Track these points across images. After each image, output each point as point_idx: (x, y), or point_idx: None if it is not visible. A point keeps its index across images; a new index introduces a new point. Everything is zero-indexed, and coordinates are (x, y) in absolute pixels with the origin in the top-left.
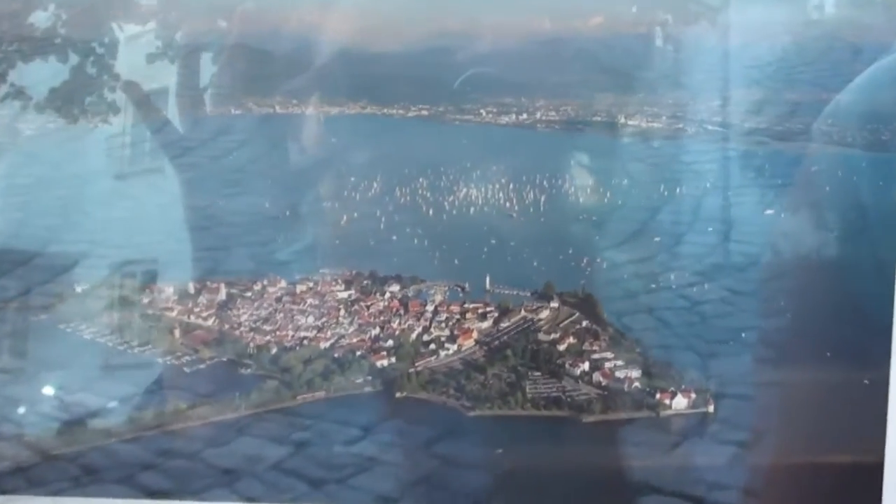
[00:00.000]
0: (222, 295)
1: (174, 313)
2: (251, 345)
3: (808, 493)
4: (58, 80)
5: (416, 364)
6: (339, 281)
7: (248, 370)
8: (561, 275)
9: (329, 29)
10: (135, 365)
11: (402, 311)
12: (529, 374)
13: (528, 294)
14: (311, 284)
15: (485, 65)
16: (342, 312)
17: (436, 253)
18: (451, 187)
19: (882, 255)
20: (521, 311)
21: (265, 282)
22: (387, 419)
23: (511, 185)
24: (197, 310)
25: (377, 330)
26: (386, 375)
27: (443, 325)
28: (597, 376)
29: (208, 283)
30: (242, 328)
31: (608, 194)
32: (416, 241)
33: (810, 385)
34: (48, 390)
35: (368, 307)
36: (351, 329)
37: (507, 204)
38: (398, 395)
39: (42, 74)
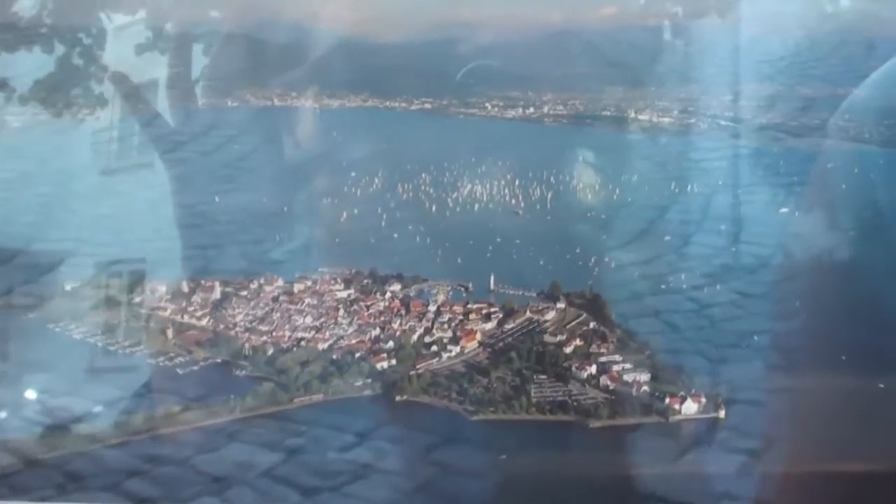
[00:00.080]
0: (217, 294)
1: (167, 313)
2: (247, 346)
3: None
4: (43, 72)
5: (418, 366)
6: (339, 280)
7: (244, 372)
8: (568, 275)
9: (328, 18)
10: (126, 366)
11: (403, 312)
12: (535, 377)
13: (534, 294)
14: (309, 283)
15: (490, 57)
16: (341, 312)
17: (438, 251)
18: (454, 183)
19: None
20: (526, 311)
21: (261, 280)
22: (386, 424)
23: (517, 182)
24: (191, 309)
25: (377, 331)
26: (386, 378)
27: (445, 326)
28: (604, 380)
29: (202, 281)
30: (238, 328)
31: (617, 191)
32: (418, 238)
33: (824, 390)
34: (31, 394)
35: (368, 307)
36: (350, 330)
37: (513, 201)
38: (398, 398)
39: (26, 65)
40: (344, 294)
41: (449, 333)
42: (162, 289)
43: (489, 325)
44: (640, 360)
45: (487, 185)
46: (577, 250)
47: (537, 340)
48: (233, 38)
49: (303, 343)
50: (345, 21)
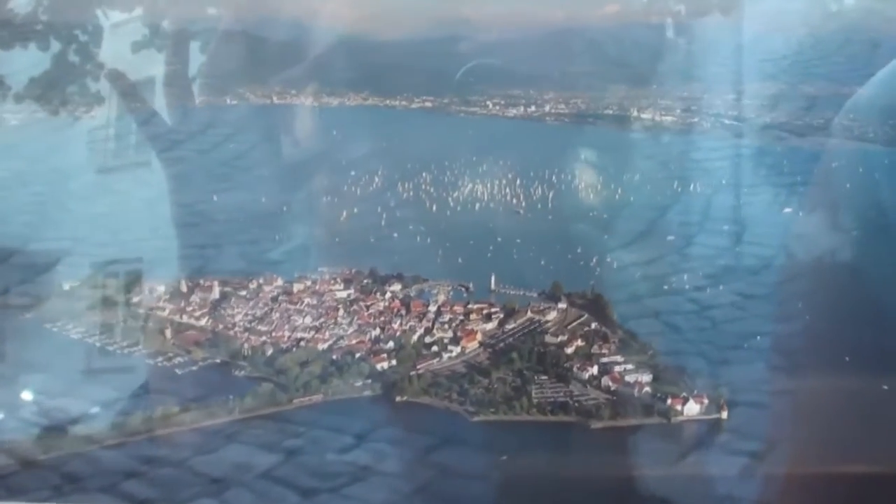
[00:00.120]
0: (216, 293)
1: (165, 312)
2: (246, 346)
3: None
4: (38, 69)
5: (418, 367)
6: (338, 280)
7: (243, 372)
8: (569, 274)
9: (329, 16)
10: (124, 366)
11: (403, 312)
12: (536, 377)
13: (535, 294)
14: (308, 283)
15: (491, 55)
16: (341, 312)
17: (439, 251)
18: (455, 182)
19: None
20: (527, 312)
21: (261, 280)
22: (386, 425)
23: (518, 181)
24: (189, 309)
25: (377, 331)
26: (386, 379)
27: (446, 326)
28: (606, 381)
29: (201, 281)
30: (237, 328)
31: (619, 191)
32: (418, 238)
33: (827, 391)
34: (28, 395)
35: (368, 307)
36: (350, 330)
37: (514, 200)
38: (398, 399)
39: (22, 62)
40: (344, 294)
41: (449, 334)
42: (160, 288)
43: (490, 326)
44: (642, 361)
45: (488, 185)
46: (579, 250)
47: (538, 341)
48: (231, 35)
49: (302, 343)
50: (345, 18)
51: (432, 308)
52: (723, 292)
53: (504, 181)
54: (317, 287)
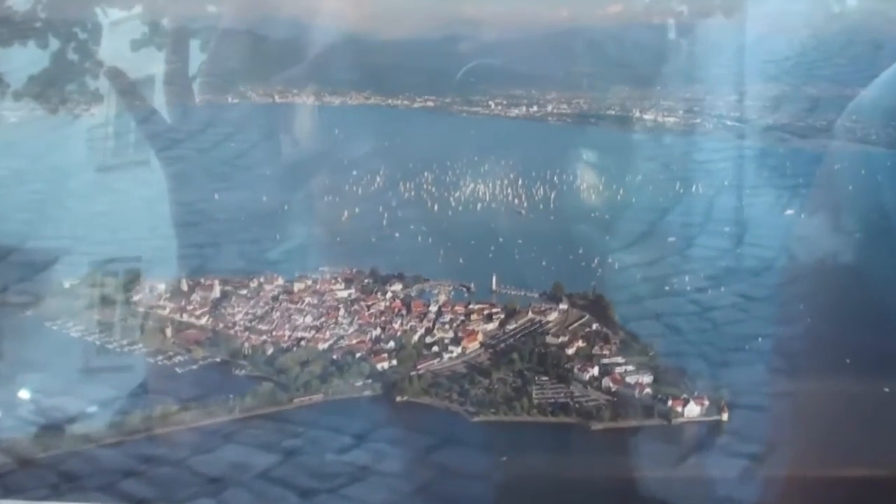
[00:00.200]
0: (216, 292)
1: (166, 311)
2: (246, 345)
3: None
4: (37, 67)
5: (419, 367)
6: (339, 279)
7: (243, 371)
8: (570, 275)
9: (330, 15)
10: (124, 365)
11: (404, 312)
12: (536, 378)
13: (536, 295)
14: (309, 283)
15: (493, 55)
16: (342, 312)
17: (440, 251)
18: (457, 182)
19: None
20: (528, 312)
21: (261, 279)
22: (386, 425)
23: (520, 181)
24: (190, 308)
25: (378, 331)
26: (386, 379)
27: (446, 326)
28: (607, 382)
29: (202, 280)
30: (237, 327)
31: (621, 192)
32: (419, 238)
33: (828, 394)
34: (26, 393)
35: (369, 307)
36: (351, 330)
37: (516, 200)
38: (399, 399)
39: (21, 60)
40: (344, 293)
41: (450, 334)
42: (161, 287)
43: (491, 326)
44: (642, 363)
45: (490, 185)
46: (580, 251)
47: (539, 341)
48: (233, 33)
49: (303, 343)
50: (347, 18)
51: (433, 308)
52: (724, 294)
53: (506, 181)
54: (317, 286)
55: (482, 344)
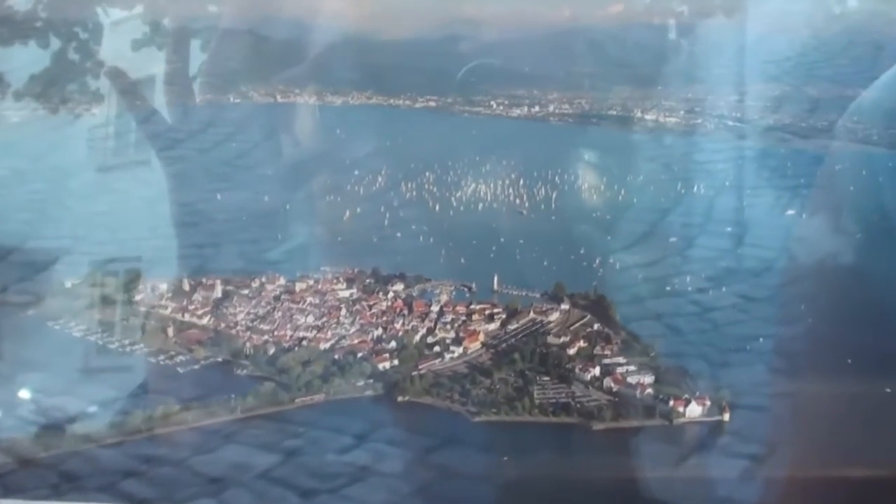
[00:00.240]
0: (218, 292)
1: (167, 311)
2: (248, 345)
3: None
4: (38, 67)
5: (420, 367)
6: (341, 279)
7: (245, 371)
8: (572, 275)
9: (332, 15)
10: (126, 365)
11: (405, 312)
12: (538, 378)
13: (538, 295)
14: (311, 282)
15: (495, 55)
16: (343, 312)
17: (442, 251)
18: (458, 182)
19: None
20: (529, 312)
21: (263, 279)
22: (388, 425)
23: (521, 181)
24: (192, 307)
25: (379, 331)
26: (388, 378)
27: (448, 326)
28: (608, 382)
29: (203, 279)
30: (239, 327)
31: (622, 192)
32: (421, 238)
33: (829, 394)
34: (27, 393)
35: (371, 307)
36: (352, 329)
37: (517, 201)
38: (400, 399)
39: (22, 60)
40: (346, 293)
41: (452, 334)
42: (163, 287)
43: (492, 326)
44: (644, 363)
45: (491, 185)
46: (582, 251)
47: (541, 342)
48: (234, 33)
49: (304, 342)
50: (348, 17)
51: (435, 308)
52: (726, 294)
53: (507, 181)
54: (319, 286)
55: (484, 344)
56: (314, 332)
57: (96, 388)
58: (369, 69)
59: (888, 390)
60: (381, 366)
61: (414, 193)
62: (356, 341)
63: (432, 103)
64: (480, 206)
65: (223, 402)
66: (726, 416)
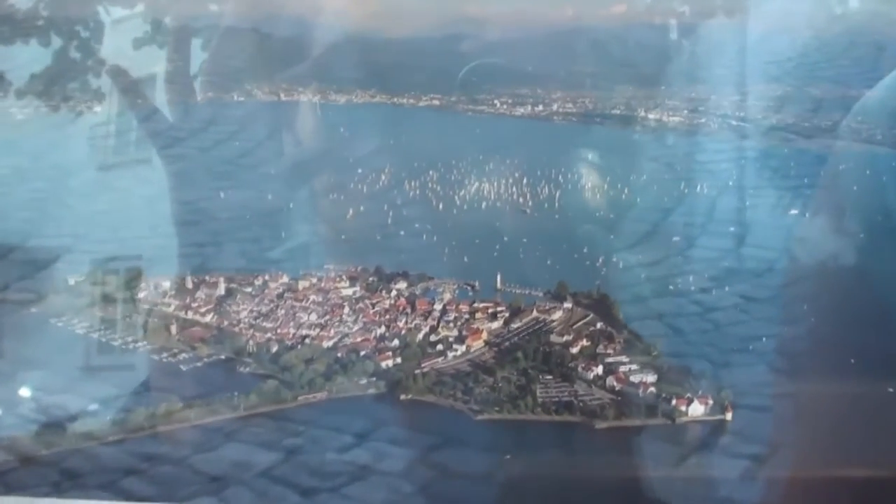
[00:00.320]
0: (221, 290)
1: (171, 308)
2: (251, 342)
3: None
4: (40, 65)
5: (423, 365)
6: (344, 277)
7: (248, 369)
8: (575, 274)
9: (335, 13)
10: (128, 362)
11: (408, 310)
12: (540, 377)
13: (541, 294)
14: (314, 280)
15: (498, 54)
16: (346, 310)
17: (445, 249)
18: (462, 181)
19: None
20: (532, 311)
21: (266, 277)
22: (390, 423)
23: (525, 180)
24: (195, 305)
25: (382, 329)
26: (391, 377)
27: (451, 324)
28: (611, 381)
29: (207, 277)
30: (242, 325)
31: (626, 191)
32: (424, 236)
33: (831, 394)
34: (27, 391)
35: (374, 305)
36: (355, 328)
37: (521, 199)
38: (403, 397)
39: (23, 58)
40: (349, 291)
41: (455, 332)
42: (166, 284)
43: (495, 325)
44: (646, 362)
45: (495, 183)
46: (585, 250)
47: (544, 340)
48: (237, 31)
49: (307, 340)
50: (352, 16)
51: (438, 306)
52: (728, 293)
53: (511, 180)
54: (322, 284)
55: (486, 342)
56: (317, 329)
57: (99, 385)
58: (373, 68)
59: (891, 390)
60: (383, 364)
61: (417, 192)
62: (359, 339)
63: (436, 102)
64: (484, 204)
65: (226, 400)
66: (728, 415)
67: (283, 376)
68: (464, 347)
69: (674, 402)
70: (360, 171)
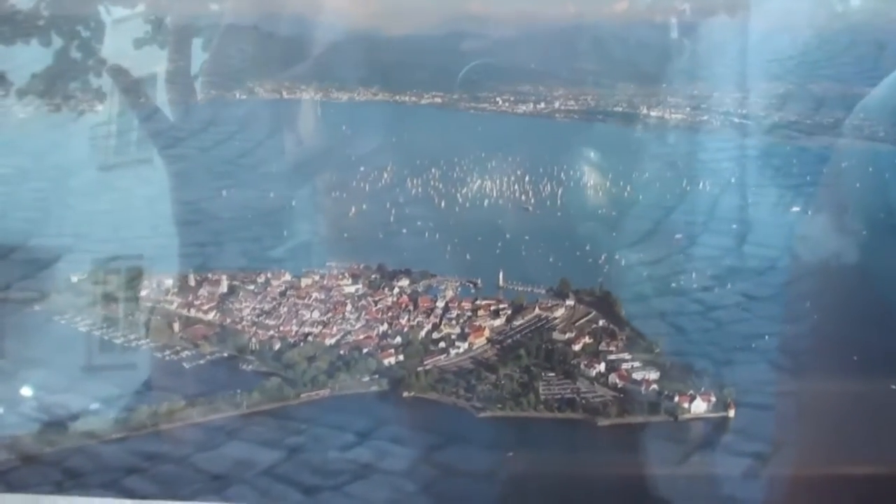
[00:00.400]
0: (224, 287)
1: (173, 306)
2: (253, 340)
3: None
4: (40, 65)
5: (425, 362)
6: (346, 275)
7: (250, 367)
8: (577, 272)
9: (337, 12)
10: (131, 360)
11: (411, 307)
12: (543, 374)
13: (543, 291)
14: (316, 278)
15: (501, 51)
16: (349, 308)
17: (447, 247)
18: (464, 178)
19: None
20: (535, 308)
21: (268, 274)
22: (396, 421)
23: (527, 178)
24: (197, 303)
25: (385, 326)
26: (393, 374)
27: (453, 322)
28: (613, 378)
29: (209, 275)
30: (244, 322)
31: (628, 189)
32: (426, 234)
33: (834, 392)
34: (29, 391)
35: (376, 302)
36: (358, 325)
37: (523, 197)
38: (405, 394)
39: (24, 58)
40: (351, 289)
41: (457, 330)
42: (168, 282)
43: (498, 322)
44: (649, 359)
45: (497, 181)
46: (587, 247)
47: (546, 337)
48: (238, 30)
49: (310, 338)
50: (353, 15)
51: (440, 304)
52: (730, 291)
53: (513, 178)
54: (325, 282)
55: (489, 340)
56: (320, 327)
57: (101, 383)
58: (375, 66)
59: (894, 387)
60: (386, 361)
61: (420, 190)
62: (361, 337)
63: (438, 100)
64: (486, 202)
65: (229, 398)
66: (731, 413)
67: (285, 374)
68: (466, 345)
69: (676, 399)
70: (362, 169)
